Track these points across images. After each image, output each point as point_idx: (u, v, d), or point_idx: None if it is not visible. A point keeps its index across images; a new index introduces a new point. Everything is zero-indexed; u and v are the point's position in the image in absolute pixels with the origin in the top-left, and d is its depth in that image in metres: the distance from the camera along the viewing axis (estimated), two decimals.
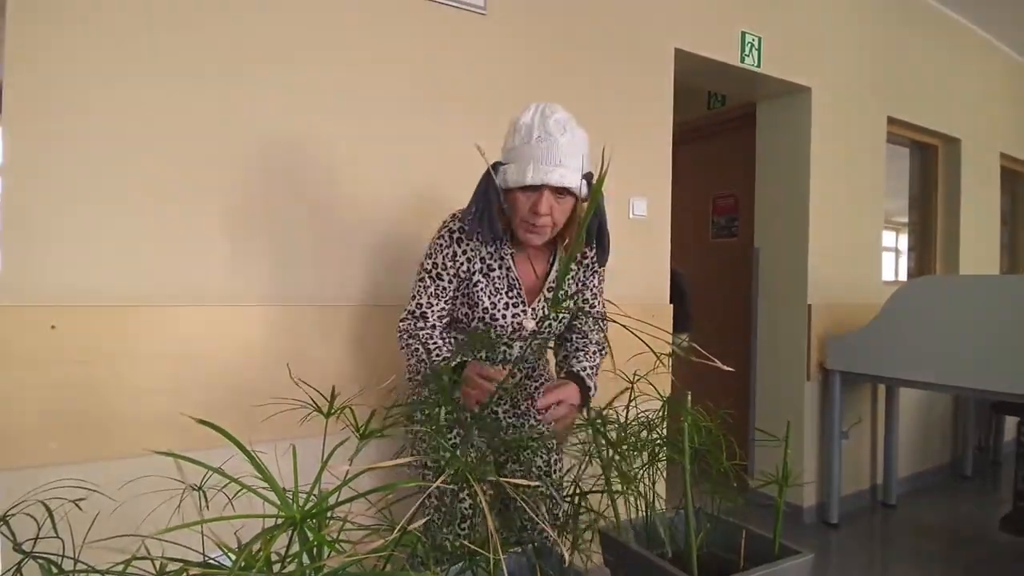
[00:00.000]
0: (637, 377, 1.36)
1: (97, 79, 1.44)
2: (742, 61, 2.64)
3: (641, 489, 1.32)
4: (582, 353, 1.43)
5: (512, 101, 2.03)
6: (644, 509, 1.34)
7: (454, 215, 1.37)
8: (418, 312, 1.35)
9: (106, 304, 1.45)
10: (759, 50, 2.69)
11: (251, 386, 1.54)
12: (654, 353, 0.89)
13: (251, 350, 1.59)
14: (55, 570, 0.68)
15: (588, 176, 1.29)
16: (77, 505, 0.93)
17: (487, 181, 1.27)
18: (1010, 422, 3.98)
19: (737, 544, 1.31)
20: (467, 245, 1.33)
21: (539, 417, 1.28)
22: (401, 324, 1.37)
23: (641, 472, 1.29)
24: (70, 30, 1.42)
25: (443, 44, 1.91)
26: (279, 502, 0.51)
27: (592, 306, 1.47)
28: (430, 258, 1.35)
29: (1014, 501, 2.73)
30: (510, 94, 2.04)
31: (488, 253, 1.34)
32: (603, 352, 1.45)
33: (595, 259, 1.41)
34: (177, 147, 1.53)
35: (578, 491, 1.16)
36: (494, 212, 1.26)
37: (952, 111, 3.79)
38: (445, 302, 1.36)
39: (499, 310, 1.35)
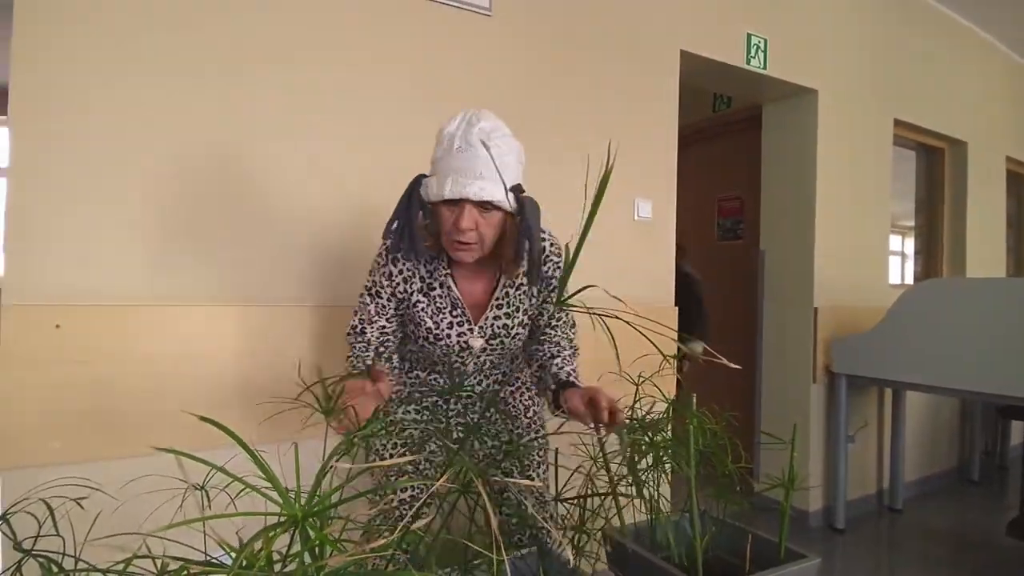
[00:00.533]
0: (642, 379, 1.35)
1: (99, 79, 1.45)
2: (748, 63, 2.63)
3: (646, 492, 1.31)
4: (560, 359, 1.37)
5: (517, 102, 2.03)
6: (649, 512, 1.33)
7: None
8: (358, 328, 1.32)
9: (109, 304, 1.45)
10: (765, 52, 2.69)
11: (253, 386, 1.54)
12: (661, 354, 0.88)
13: (254, 350, 1.58)
14: (55, 569, 0.67)
15: (516, 189, 1.20)
16: (79, 504, 0.93)
17: (410, 194, 1.20)
18: (1017, 427, 3.96)
19: (743, 548, 1.30)
20: (403, 264, 1.28)
21: (606, 425, 1.23)
22: (346, 338, 1.33)
23: (646, 475, 1.28)
24: (72, 31, 1.42)
25: (448, 45, 1.91)
26: (281, 501, 0.50)
27: (560, 319, 1.40)
28: (371, 276, 1.32)
29: (1021, 506, 2.71)
30: (514, 95, 2.03)
31: (428, 271, 1.29)
32: (577, 354, 1.42)
33: (552, 270, 1.34)
34: (178, 147, 1.54)
35: (585, 493, 1.16)
36: (415, 228, 1.20)
37: (958, 114, 3.78)
38: (387, 320, 1.32)
39: (443, 329, 1.30)
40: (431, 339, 1.31)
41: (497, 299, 1.32)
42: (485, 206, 1.16)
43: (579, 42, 2.18)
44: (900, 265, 4.01)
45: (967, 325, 2.53)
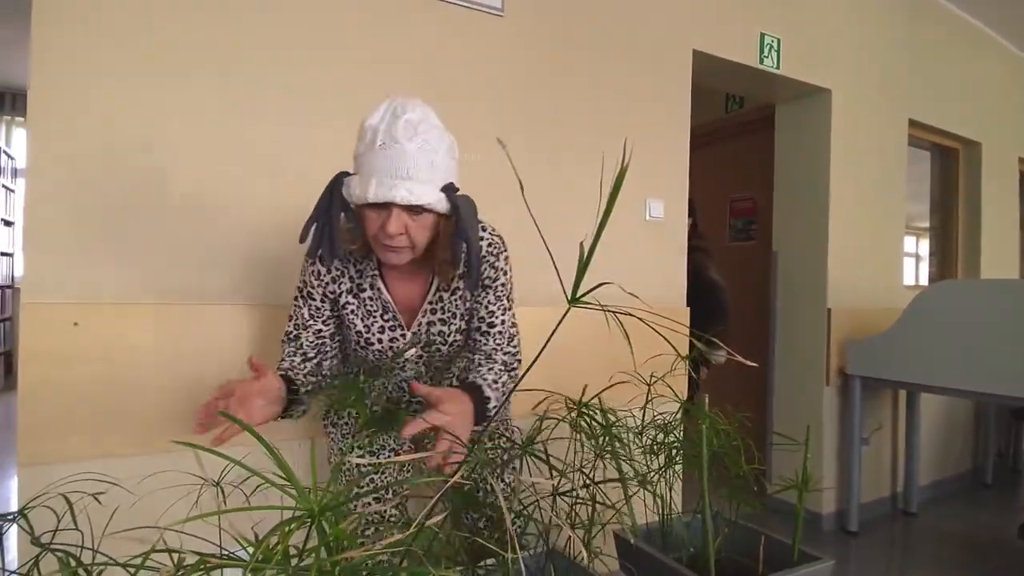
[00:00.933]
0: (654, 379, 1.35)
1: (118, 80, 1.46)
2: (761, 63, 2.61)
3: (657, 492, 1.30)
4: (484, 368, 1.23)
5: (528, 102, 2.03)
6: (660, 513, 1.33)
7: None
8: (293, 334, 1.25)
9: (127, 302, 1.46)
10: (778, 52, 2.67)
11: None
12: (677, 352, 0.88)
13: (272, 349, 1.59)
14: (73, 563, 0.68)
15: (449, 188, 1.09)
16: (96, 499, 0.94)
17: (330, 193, 1.09)
18: None
19: (755, 550, 1.29)
20: (332, 264, 1.20)
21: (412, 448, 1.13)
22: (281, 345, 1.27)
23: (658, 475, 1.28)
24: (91, 32, 1.43)
25: (460, 46, 1.92)
26: (297, 495, 0.51)
27: (491, 324, 1.27)
28: (301, 276, 1.24)
29: None
30: (526, 95, 2.04)
31: (357, 271, 1.22)
32: (511, 371, 1.28)
33: (486, 273, 1.23)
34: (196, 148, 1.55)
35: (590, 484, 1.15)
36: (335, 230, 1.09)
37: (972, 114, 3.75)
38: (323, 323, 1.25)
39: (374, 333, 1.24)
40: (362, 343, 1.25)
41: (431, 303, 1.24)
42: (415, 209, 1.06)
43: (591, 42, 2.18)
44: (915, 267, 3.98)
45: (982, 326, 2.50)
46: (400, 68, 1.82)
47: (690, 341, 2.37)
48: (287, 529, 0.50)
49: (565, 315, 0.61)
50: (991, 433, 3.73)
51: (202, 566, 0.53)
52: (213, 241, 1.57)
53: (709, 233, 3.00)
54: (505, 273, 1.26)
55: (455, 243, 1.12)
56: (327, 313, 1.24)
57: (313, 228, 1.11)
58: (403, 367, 1.27)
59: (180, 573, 0.55)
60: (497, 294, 1.26)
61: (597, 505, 1.16)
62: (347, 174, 1.09)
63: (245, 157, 1.61)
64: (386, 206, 1.04)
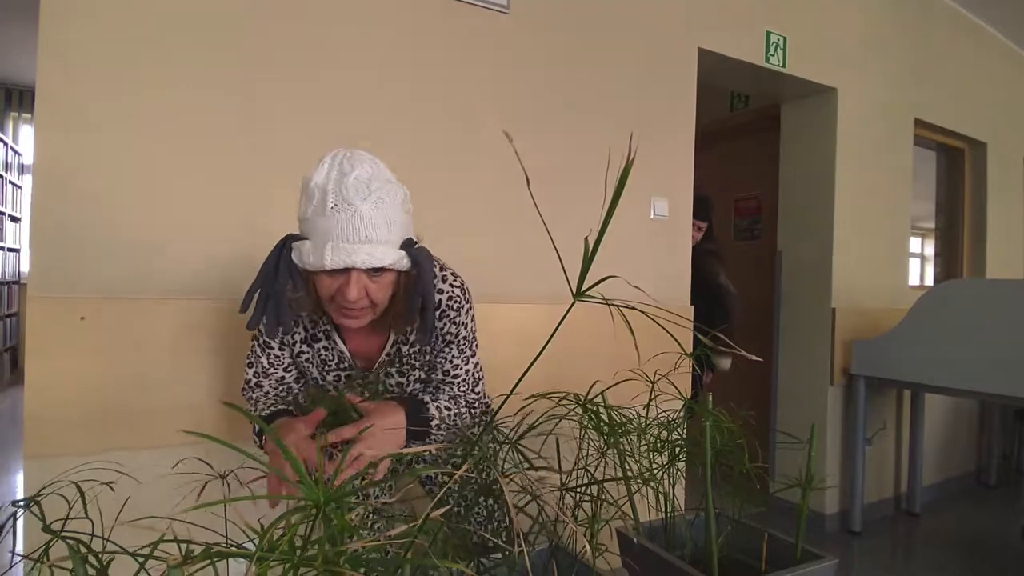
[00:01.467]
0: (658, 377, 1.35)
1: (124, 77, 1.47)
2: (767, 61, 2.61)
3: (660, 490, 1.31)
4: (440, 392, 1.23)
5: (533, 100, 2.03)
6: (663, 510, 1.33)
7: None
8: (253, 382, 1.22)
9: (134, 296, 1.47)
10: (784, 50, 2.66)
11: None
12: (681, 348, 0.88)
13: None
14: (83, 550, 0.69)
15: (407, 244, 1.04)
16: (109, 487, 0.94)
17: (276, 261, 1.02)
18: None
19: (758, 548, 1.29)
20: (275, 335, 1.16)
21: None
22: (243, 394, 1.24)
23: (661, 473, 1.28)
24: (98, 29, 1.44)
25: (465, 43, 1.92)
26: (304, 487, 0.51)
27: (455, 376, 1.24)
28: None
29: None
30: (531, 93, 2.04)
31: (311, 322, 1.16)
32: (472, 409, 1.27)
33: (447, 328, 1.19)
34: (204, 144, 1.55)
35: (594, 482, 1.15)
36: (283, 300, 1.02)
37: (978, 114, 3.73)
38: (284, 370, 1.21)
39: (329, 381, 1.22)
40: (319, 386, 1.23)
41: (388, 355, 1.21)
42: (376, 271, 1.01)
43: (596, 40, 2.17)
44: (920, 267, 3.96)
45: (987, 327, 2.49)
46: (403, 65, 1.82)
47: (695, 339, 2.37)
48: (292, 519, 0.50)
49: (570, 309, 0.61)
50: (995, 434, 3.71)
51: (208, 556, 0.53)
52: (220, 236, 1.58)
53: (717, 234, 2.99)
54: (466, 326, 1.22)
55: (411, 298, 1.07)
56: (287, 360, 1.20)
57: (256, 297, 1.04)
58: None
59: (187, 563, 0.55)
60: (460, 348, 1.23)
61: (601, 502, 1.16)
62: (295, 237, 1.03)
63: (253, 153, 1.61)
64: (344, 270, 0.99)
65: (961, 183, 3.89)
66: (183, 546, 0.61)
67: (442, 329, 1.18)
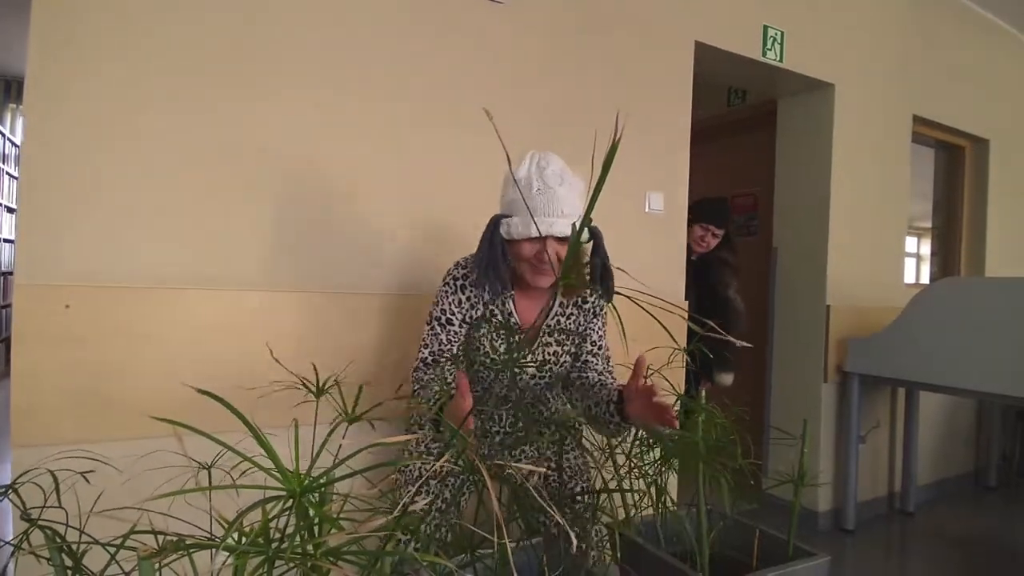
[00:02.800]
0: (651, 371, 1.34)
1: (113, 68, 1.45)
2: (764, 55, 2.59)
3: (653, 485, 1.29)
4: (608, 379, 1.43)
5: (527, 94, 2.02)
6: (656, 507, 1.32)
7: (458, 263, 1.40)
8: (430, 360, 1.35)
9: (118, 285, 1.45)
10: (781, 44, 2.65)
11: (264, 370, 1.54)
12: (673, 339, 0.87)
13: (266, 334, 1.58)
14: (59, 540, 0.68)
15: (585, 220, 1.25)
16: (85, 477, 0.93)
17: (491, 233, 1.30)
18: None
19: (750, 545, 1.28)
20: (471, 291, 1.36)
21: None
22: (414, 374, 1.35)
23: (654, 470, 1.27)
24: (89, 19, 1.43)
25: (459, 35, 1.90)
26: (281, 476, 0.50)
27: (600, 347, 1.46)
28: (437, 305, 1.37)
29: None
30: (525, 87, 2.02)
31: (491, 297, 1.36)
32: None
33: (597, 302, 1.42)
34: (192, 135, 1.54)
35: (591, 488, 1.14)
36: (500, 264, 1.29)
37: (981, 111, 3.70)
38: (458, 348, 1.38)
39: (500, 355, 1.37)
40: (487, 363, 1.37)
41: (548, 325, 1.39)
42: (563, 240, 1.28)
43: (591, 32, 2.15)
44: (916, 267, 3.95)
45: (985, 325, 2.48)
46: (397, 57, 1.80)
47: (689, 333, 2.35)
48: (266, 507, 0.49)
49: (556, 295, 0.59)
50: (995, 434, 3.68)
51: (179, 548, 0.51)
52: (204, 226, 1.56)
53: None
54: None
55: (594, 265, 1.32)
56: (461, 337, 1.38)
57: (481, 264, 1.31)
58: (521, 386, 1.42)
59: (158, 553, 0.53)
60: (603, 321, 1.46)
61: (592, 497, 1.15)
62: (501, 216, 1.30)
63: (235, 140, 1.59)
64: (542, 238, 1.25)
65: (961, 181, 3.87)
66: (159, 537, 0.59)
67: (596, 304, 1.43)
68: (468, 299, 1.35)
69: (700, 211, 2.60)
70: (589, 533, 1.18)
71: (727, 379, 2.60)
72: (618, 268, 0.67)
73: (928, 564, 2.61)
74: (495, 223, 1.31)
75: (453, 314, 1.36)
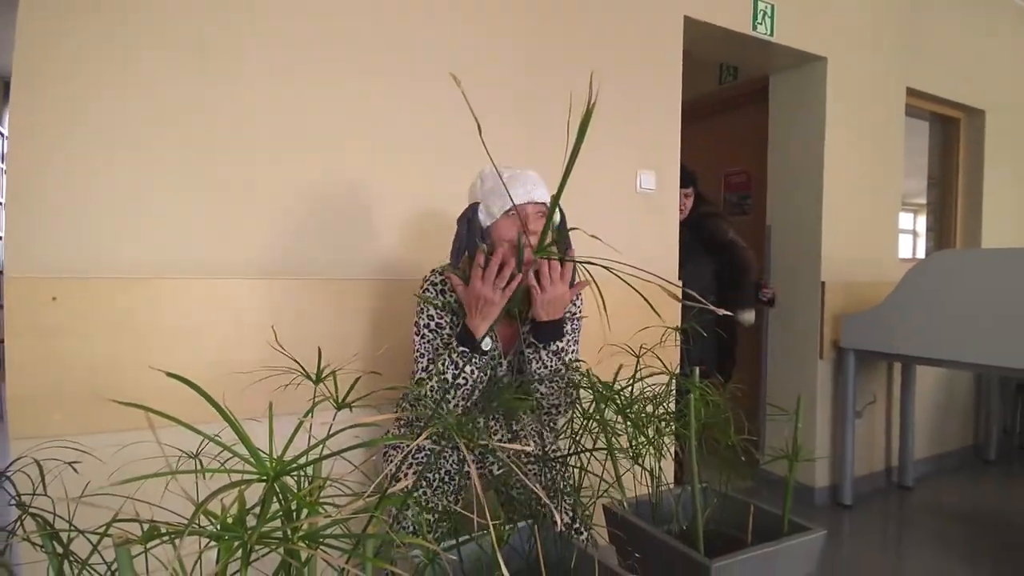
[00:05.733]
0: (644, 350, 1.33)
1: (99, 57, 1.44)
2: (754, 29, 2.56)
3: (647, 464, 1.29)
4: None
5: (515, 74, 1.99)
6: (651, 485, 1.32)
7: (434, 270, 1.42)
8: (431, 368, 1.35)
9: (105, 276, 1.44)
10: (772, 18, 2.61)
11: (251, 360, 1.53)
12: (657, 314, 0.86)
13: (254, 323, 1.57)
14: (49, 528, 0.69)
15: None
16: (73, 467, 0.93)
17: (468, 220, 1.33)
18: None
19: (746, 521, 1.29)
20: (451, 296, 1.38)
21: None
22: (424, 386, 1.33)
23: (647, 447, 1.26)
24: (81, 11, 1.41)
25: (446, 14, 1.87)
26: (254, 460, 0.49)
27: (563, 351, 1.39)
28: (423, 313, 1.38)
29: None
30: (513, 67, 1.99)
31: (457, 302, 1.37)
32: (567, 404, 1.39)
33: (571, 307, 1.43)
34: (177, 122, 1.52)
35: (578, 452, 1.14)
36: (475, 250, 1.30)
37: (977, 81, 3.65)
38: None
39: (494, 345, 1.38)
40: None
41: (525, 333, 1.40)
42: (541, 212, 1.33)
43: (579, 9, 2.12)
44: (912, 242, 3.93)
45: (981, 297, 2.48)
46: (384, 35, 1.78)
47: (683, 308, 2.33)
48: (242, 493, 0.48)
49: (529, 267, 0.58)
50: (994, 408, 3.67)
51: (151, 536, 0.51)
52: (191, 216, 1.54)
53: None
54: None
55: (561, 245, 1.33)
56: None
57: (458, 252, 1.34)
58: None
59: (133, 541, 0.53)
60: (576, 326, 1.46)
61: (587, 476, 1.15)
62: (476, 206, 1.33)
63: (216, 134, 1.57)
64: (523, 207, 1.31)
65: (956, 153, 3.84)
66: (143, 526, 0.59)
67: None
68: (449, 303, 1.38)
69: None
70: (579, 512, 1.18)
71: (750, 316, 2.63)
72: (575, 228, 0.68)
73: (927, 538, 2.62)
74: (472, 210, 1.33)
75: (441, 318, 1.37)
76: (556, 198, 0.49)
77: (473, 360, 1.29)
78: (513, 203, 1.27)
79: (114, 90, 1.46)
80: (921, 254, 3.94)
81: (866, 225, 3.12)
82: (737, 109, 3.57)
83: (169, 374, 0.52)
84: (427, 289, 1.39)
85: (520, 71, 2.00)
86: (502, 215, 1.31)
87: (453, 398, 1.31)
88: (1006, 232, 3.93)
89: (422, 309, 1.38)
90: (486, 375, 1.35)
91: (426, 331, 1.37)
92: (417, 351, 1.37)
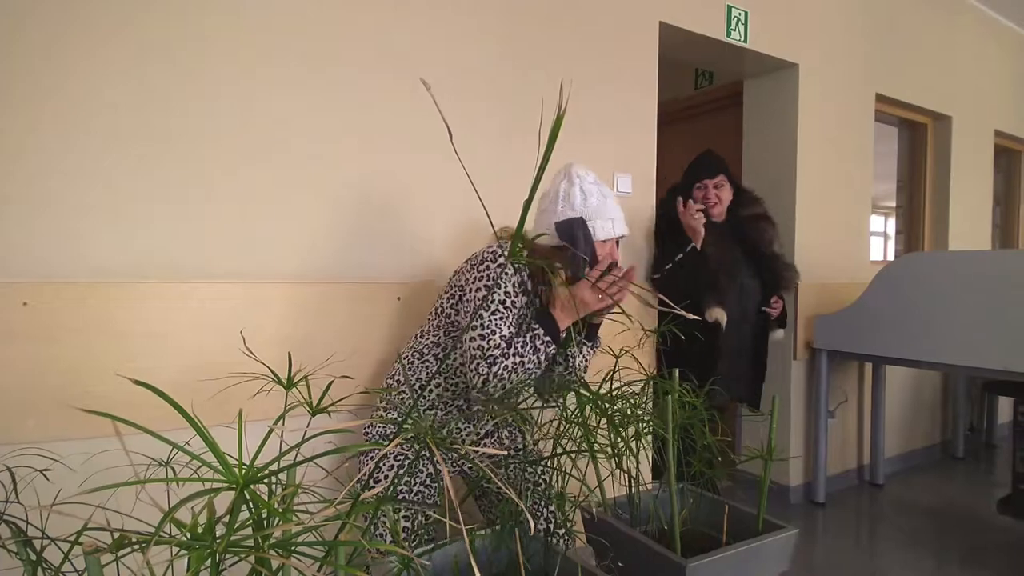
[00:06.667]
0: (623, 351, 1.34)
1: (68, 62, 1.41)
2: (728, 36, 2.59)
3: (625, 465, 1.30)
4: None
5: (490, 77, 1.99)
6: (628, 486, 1.33)
7: (497, 248, 1.42)
8: (503, 346, 1.35)
9: (76, 281, 1.41)
10: (746, 25, 2.65)
11: (227, 365, 1.51)
12: (627, 317, 0.87)
13: (229, 328, 1.55)
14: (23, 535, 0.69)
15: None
16: (44, 475, 0.92)
17: (583, 232, 1.40)
18: (1004, 403, 3.96)
19: (722, 521, 1.30)
20: (525, 276, 1.41)
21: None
22: (494, 367, 1.32)
23: (624, 448, 1.27)
24: (45, 9, 1.39)
25: (422, 20, 1.86)
26: (223, 468, 0.48)
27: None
28: (499, 288, 1.37)
29: (1013, 483, 2.69)
30: (488, 69, 1.98)
31: (532, 287, 1.44)
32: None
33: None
34: (147, 125, 1.49)
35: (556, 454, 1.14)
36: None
37: (944, 87, 3.75)
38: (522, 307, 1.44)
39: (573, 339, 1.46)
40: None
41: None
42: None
43: (555, 13, 2.13)
44: (883, 245, 4.01)
45: (948, 299, 2.54)
46: (360, 42, 1.77)
47: (660, 314, 2.34)
48: (212, 502, 0.47)
49: (503, 269, 0.58)
50: (961, 406, 3.76)
51: (120, 545, 0.50)
52: (162, 219, 1.52)
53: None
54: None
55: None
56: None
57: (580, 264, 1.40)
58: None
59: (103, 551, 0.52)
60: None
61: (568, 479, 1.15)
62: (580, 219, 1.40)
63: (187, 132, 1.55)
64: (615, 239, 1.48)
65: (923, 158, 3.93)
66: (114, 534, 0.58)
67: None
68: (522, 283, 1.40)
69: (686, 174, 2.44)
70: (564, 514, 1.18)
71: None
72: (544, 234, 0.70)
73: (897, 534, 2.67)
74: (582, 223, 1.39)
75: (517, 296, 1.38)
76: (527, 203, 0.49)
77: (549, 349, 1.35)
78: (615, 235, 1.45)
79: (83, 91, 1.43)
80: (892, 256, 4.02)
81: (838, 228, 3.17)
82: (712, 113, 3.61)
83: (135, 381, 0.51)
84: (504, 264, 1.37)
85: (496, 75, 2.00)
86: (598, 241, 1.42)
87: (510, 379, 1.34)
88: (972, 234, 4.03)
89: (497, 284, 1.36)
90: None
91: (501, 307, 1.36)
92: (487, 328, 1.34)
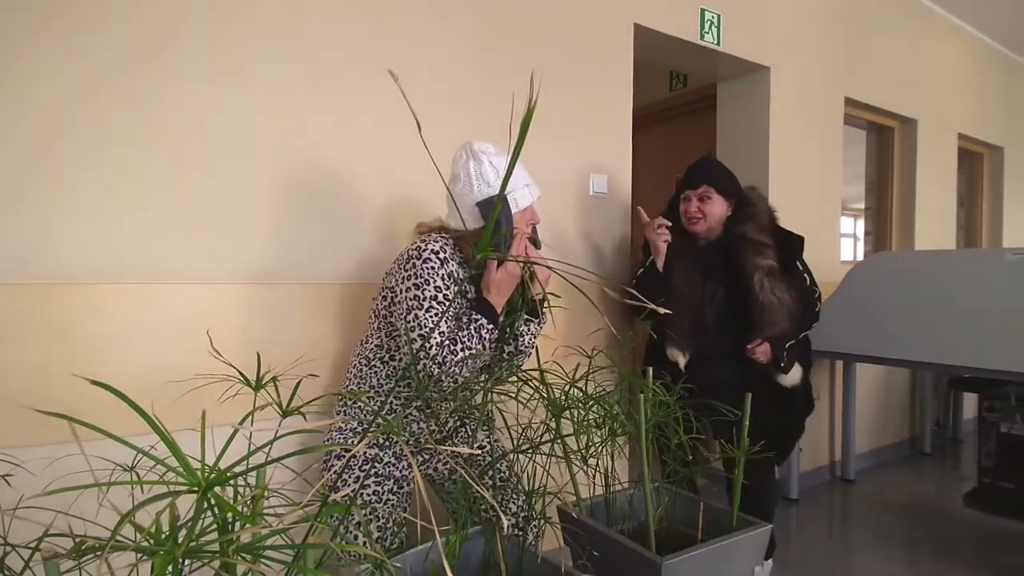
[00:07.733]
0: (596, 351, 1.34)
1: (46, 60, 1.38)
2: (702, 38, 2.62)
3: (599, 465, 1.30)
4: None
5: (464, 78, 1.98)
6: (605, 485, 1.33)
7: (428, 239, 1.37)
8: (446, 343, 1.29)
9: (37, 281, 1.37)
10: (719, 28, 2.68)
11: (194, 367, 1.47)
12: (597, 309, 0.87)
13: (197, 329, 1.52)
14: None
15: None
16: (6, 480, 0.89)
17: (505, 210, 1.39)
18: (969, 400, 4.06)
19: (697, 518, 1.31)
20: (453, 266, 1.37)
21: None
22: (441, 355, 1.27)
23: (599, 448, 1.27)
24: (17, 17, 1.35)
25: (394, 17, 1.85)
26: (184, 471, 0.47)
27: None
28: (428, 284, 1.32)
29: (978, 477, 2.74)
30: (462, 70, 1.98)
31: (467, 276, 1.41)
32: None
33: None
34: (116, 124, 1.46)
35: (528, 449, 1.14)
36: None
37: (910, 91, 3.83)
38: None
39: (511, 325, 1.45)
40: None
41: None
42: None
43: (530, 14, 2.13)
44: (852, 246, 4.09)
45: (916, 297, 2.59)
46: (334, 38, 1.75)
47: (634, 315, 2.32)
48: (175, 505, 0.46)
49: (473, 264, 0.57)
50: (928, 403, 3.86)
51: (80, 552, 0.48)
52: (129, 220, 1.48)
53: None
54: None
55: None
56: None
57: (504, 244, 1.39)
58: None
59: (63, 557, 0.50)
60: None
61: (543, 477, 1.15)
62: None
63: (139, 132, 1.52)
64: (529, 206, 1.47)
65: (891, 160, 4.01)
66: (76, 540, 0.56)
67: None
68: (451, 275, 1.35)
69: (681, 183, 2.13)
70: (532, 511, 1.18)
71: (794, 376, 2.08)
72: (547, 245, 0.68)
73: (868, 528, 2.72)
74: (503, 200, 1.28)
75: (448, 288, 1.34)
76: (499, 199, 0.49)
77: (493, 335, 1.34)
78: (533, 199, 1.45)
79: (50, 89, 1.39)
80: (861, 256, 4.10)
81: (809, 228, 3.20)
82: (687, 115, 3.65)
83: (92, 381, 0.49)
84: (428, 258, 1.33)
85: (470, 75, 2.00)
86: (520, 211, 1.43)
87: (463, 368, 1.30)
88: (937, 233, 4.13)
89: (427, 279, 1.32)
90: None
91: (434, 303, 1.31)
92: (423, 324, 1.29)
